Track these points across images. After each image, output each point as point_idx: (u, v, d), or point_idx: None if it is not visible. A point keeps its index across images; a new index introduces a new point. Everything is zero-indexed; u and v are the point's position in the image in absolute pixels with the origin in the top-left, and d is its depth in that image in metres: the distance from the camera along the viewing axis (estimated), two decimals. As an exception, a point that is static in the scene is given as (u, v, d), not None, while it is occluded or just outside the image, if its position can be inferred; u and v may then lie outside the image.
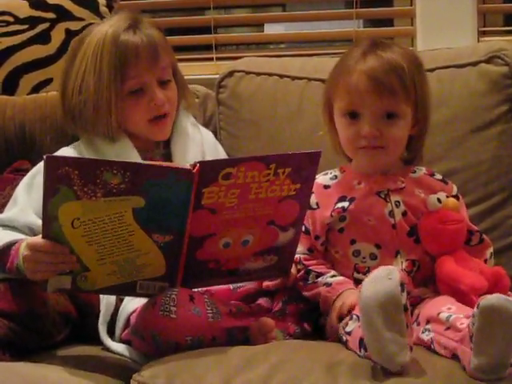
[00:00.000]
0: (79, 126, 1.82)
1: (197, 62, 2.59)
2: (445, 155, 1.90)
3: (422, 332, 1.52)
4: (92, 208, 1.44)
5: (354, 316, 1.52)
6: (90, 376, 1.52)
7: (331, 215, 1.66)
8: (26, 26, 2.20)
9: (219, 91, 2.10)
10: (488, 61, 1.93)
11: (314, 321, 1.69)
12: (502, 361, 1.34)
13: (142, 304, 1.58)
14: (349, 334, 1.51)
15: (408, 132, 1.67)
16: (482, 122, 1.91)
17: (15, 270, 1.58)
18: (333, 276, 1.65)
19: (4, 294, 1.66)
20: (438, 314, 1.49)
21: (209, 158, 1.89)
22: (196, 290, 1.59)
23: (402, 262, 1.64)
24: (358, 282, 1.63)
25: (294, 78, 2.05)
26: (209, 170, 1.46)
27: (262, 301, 1.70)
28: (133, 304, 1.64)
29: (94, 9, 2.21)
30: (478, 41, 2.38)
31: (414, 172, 1.71)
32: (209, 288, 1.66)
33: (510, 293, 1.57)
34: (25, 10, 2.21)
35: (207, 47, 2.59)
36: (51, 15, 2.20)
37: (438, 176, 1.73)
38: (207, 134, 1.99)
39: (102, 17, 2.19)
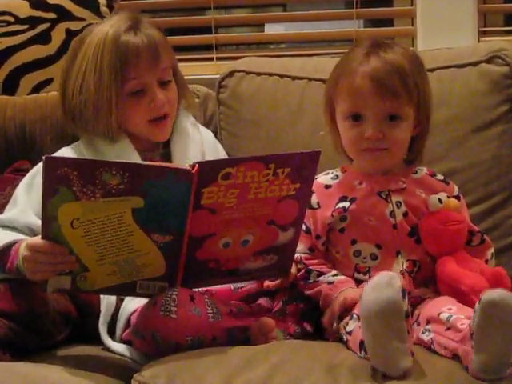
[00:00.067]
0: (79, 126, 1.82)
1: (197, 62, 2.59)
2: (445, 155, 1.90)
3: (422, 332, 1.52)
4: (91, 208, 1.44)
5: (355, 315, 1.52)
6: (91, 376, 1.52)
7: (332, 215, 1.66)
8: (26, 26, 2.20)
9: (220, 91, 2.10)
10: (488, 61, 1.93)
11: (315, 321, 1.69)
12: (503, 359, 1.35)
13: (142, 304, 1.58)
14: (349, 333, 1.52)
15: (410, 133, 1.67)
16: (483, 122, 1.91)
17: (15, 271, 1.58)
18: (334, 275, 1.66)
19: (4, 294, 1.66)
20: (439, 314, 1.49)
21: (209, 157, 1.89)
22: (196, 289, 1.59)
23: (402, 263, 1.63)
24: (358, 282, 1.64)
25: (294, 78, 2.05)
26: (208, 170, 1.46)
27: (262, 301, 1.70)
28: (133, 304, 1.64)
29: (95, 9, 2.21)
30: (479, 41, 2.38)
31: (416, 172, 1.71)
32: (209, 288, 1.66)
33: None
34: (25, 10, 2.21)
35: (208, 47, 2.59)
36: (51, 15, 2.20)
37: (440, 176, 1.73)
38: (207, 134, 1.99)
39: (102, 17, 2.19)
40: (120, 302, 1.69)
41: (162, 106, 1.80)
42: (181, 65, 1.92)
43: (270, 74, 2.07)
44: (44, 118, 2.05)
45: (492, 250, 1.71)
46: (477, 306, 1.35)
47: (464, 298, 1.53)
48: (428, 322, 1.52)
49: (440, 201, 1.65)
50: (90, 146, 1.82)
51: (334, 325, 1.59)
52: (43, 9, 2.21)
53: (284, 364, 1.42)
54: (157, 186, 1.45)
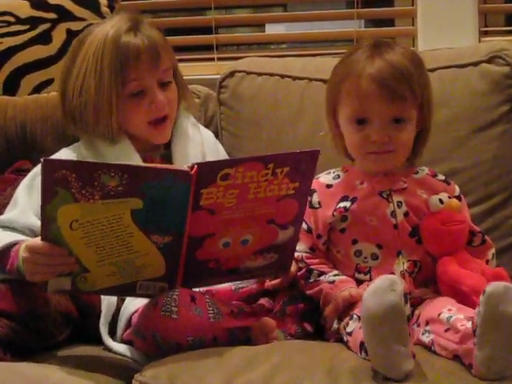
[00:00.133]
0: (79, 127, 1.81)
1: (198, 63, 2.59)
2: (446, 155, 1.90)
3: (423, 333, 1.52)
4: (90, 210, 1.44)
5: (355, 316, 1.52)
6: (91, 376, 1.52)
7: (333, 214, 1.66)
8: (27, 27, 2.20)
9: (220, 91, 2.10)
10: (489, 61, 1.93)
11: (315, 321, 1.69)
12: (507, 354, 1.34)
13: (143, 304, 1.58)
14: (349, 334, 1.52)
15: (414, 133, 1.67)
16: (484, 122, 1.91)
17: (15, 272, 1.58)
18: (335, 275, 1.66)
19: (5, 294, 1.66)
20: (439, 315, 1.49)
21: (209, 158, 1.88)
22: (197, 289, 1.59)
23: (403, 263, 1.63)
24: (359, 283, 1.64)
25: (295, 78, 2.05)
26: (207, 172, 1.46)
27: (263, 301, 1.70)
28: (134, 304, 1.64)
29: (95, 9, 2.22)
30: (480, 41, 2.38)
31: (417, 173, 1.71)
32: (210, 288, 1.66)
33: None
34: (26, 11, 2.21)
35: (208, 47, 2.59)
36: (52, 15, 2.20)
37: (441, 177, 1.73)
38: (207, 134, 1.99)
39: (103, 17, 2.19)
40: (121, 302, 1.69)
41: (163, 107, 1.80)
42: (181, 65, 1.92)
43: (271, 75, 2.07)
44: (45, 118, 2.05)
45: (493, 251, 1.71)
46: (481, 298, 1.35)
47: (465, 298, 1.53)
48: (427, 323, 1.52)
49: (441, 201, 1.65)
50: (90, 146, 1.82)
51: (334, 325, 1.59)
52: (44, 9, 2.21)
53: (285, 364, 1.42)
54: (155, 187, 1.45)
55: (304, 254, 1.69)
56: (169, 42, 1.85)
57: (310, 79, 2.03)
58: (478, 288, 1.45)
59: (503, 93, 1.92)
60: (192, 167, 1.45)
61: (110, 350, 1.66)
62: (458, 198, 1.70)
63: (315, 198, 1.68)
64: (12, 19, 2.20)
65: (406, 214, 1.65)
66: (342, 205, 1.66)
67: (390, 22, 2.73)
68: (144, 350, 1.59)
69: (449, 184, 1.72)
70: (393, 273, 1.61)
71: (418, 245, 1.65)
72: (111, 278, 1.54)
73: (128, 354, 1.63)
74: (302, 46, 2.79)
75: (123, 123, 1.80)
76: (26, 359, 1.59)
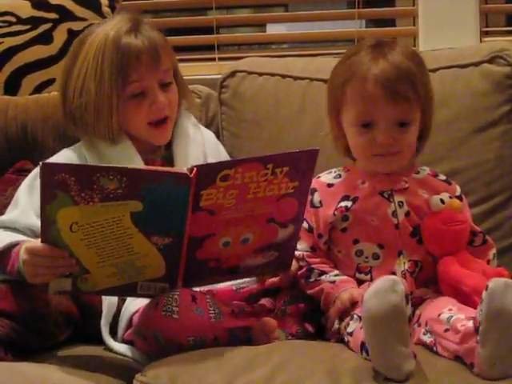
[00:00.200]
0: (80, 127, 1.81)
1: (199, 62, 2.59)
2: (447, 155, 1.90)
3: (424, 334, 1.52)
4: (90, 213, 1.44)
5: (355, 316, 1.52)
6: (92, 376, 1.52)
7: (334, 214, 1.66)
8: (28, 27, 2.20)
9: (221, 91, 2.10)
10: (490, 61, 1.93)
11: (316, 321, 1.69)
12: (509, 353, 1.34)
13: (144, 304, 1.58)
14: (350, 334, 1.52)
15: (417, 134, 1.66)
16: (485, 122, 1.91)
17: (16, 273, 1.58)
18: (336, 275, 1.65)
19: (6, 295, 1.66)
20: (439, 315, 1.49)
21: (210, 159, 1.88)
22: (198, 290, 1.59)
23: (404, 263, 1.63)
24: (360, 283, 1.64)
25: (296, 78, 2.05)
26: (206, 173, 1.46)
27: (264, 301, 1.70)
28: (135, 304, 1.64)
29: (97, 9, 2.21)
30: (481, 41, 2.38)
31: (418, 172, 1.71)
32: (211, 288, 1.66)
33: None
34: (27, 11, 2.21)
35: (209, 47, 2.58)
36: (53, 15, 2.20)
37: (442, 177, 1.73)
38: (209, 135, 1.99)
39: (104, 17, 2.19)
40: (122, 302, 1.69)
41: (163, 108, 1.80)
42: (183, 65, 1.92)
43: (272, 74, 2.07)
44: (46, 118, 2.05)
45: (494, 251, 1.71)
46: (484, 294, 1.35)
47: (466, 298, 1.52)
48: (427, 323, 1.51)
49: (442, 201, 1.65)
50: (91, 147, 1.82)
51: (335, 325, 1.59)
52: (45, 9, 2.21)
53: (286, 364, 1.42)
54: (155, 190, 1.45)
55: (305, 253, 1.69)
56: (169, 43, 1.85)
57: (311, 79, 2.03)
58: (479, 288, 1.45)
59: (504, 93, 1.92)
60: (191, 170, 1.45)
61: (110, 350, 1.66)
62: (459, 197, 1.70)
63: (316, 198, 1.68)
64: (13, 19, 2.20)
65: (407, 214, 1.64)
66: (343, 204, 1.66)
67: (391, 22, 2.72)
68: (145, 350, 1.59)
69: (450, 184, 1.72)
70: (394, 273, 1.61)
71: (419, 245, 1.65)
72: (112, 279, 1.54)
73: (129, 354, 1.63)
74: (303, 46, 2.79)
75: (124, 124, 1.80)
76: (26, 359, 1.59)
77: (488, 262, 1.68)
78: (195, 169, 1.45)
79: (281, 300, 1.70)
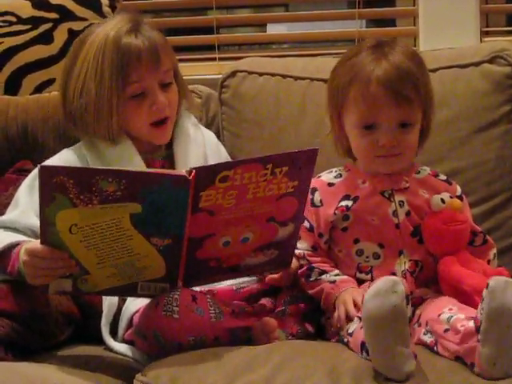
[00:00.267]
0: (80, 128, 1.81)
1: (199, 62, 2.59)
2: (448, 155, 1.90)
3: (424, 334, 1.52)
4: (89, 215, 1.44)
5: (355, 317, 1.52)
6: (93, 376, 1.52)
7: (335, 213, 1.66)
8: (28, 26, 2.20)
9: (222, 91, 2.10)
10: (491, 61, 1.93)
11: (316, 321, 1.69)
12: (509, 351, 1.34)
13: (144, 304, 1.58)
14: (350, 335, 1.51)
15: (418, 134, 1.66)
16: (485, 122, 1.91)
17: (16, 273, 1.58)
18: (337, 275, 1.66)
19: (6, 295, 1.66)
20: (439, 315, 1.49)
21: (211, 159, 1.88)
22: (199, 289, 1.59)
23: (404, 262, 1.63)
24: (360, 282, 1.64)
25: (296, 78, 2.05)
26: (205, 175, 1.46)
27: (264, 301, 1.70)
28: (135, 304, 1.64)
29: (97, 9, 2.21)
30: (481, 41, 2.38)
31: (418, 172, 1.71)
32: (211, 288, 1.66)
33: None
34: (27, 10, 2.21)
35: (210, 47, 2.58)
36: (54, 15, 2.20)
37: (442, 176, 1.73)
38: (209, 136, 1.98)
39: (104, 17, 2.18)
40: (122, 302, 1.69)
41: (164, 108, 1.79)
42: (183, 65, 1.92)
43: (273, 74, 2.07)
44: (46, 118, 2.05)
45: (494, 251, 1.71)
46: (484, 293, 1.35)
47: (466, 298, 1.52)
48: (427, 323, 1.51)
49: (443, 201, 1.65)
50: (91, 147, 1.82)
51: (337, 325, 1.59)
52: (45, 9, 2.21)
53: (286, 364, 1.42)
54: (154, 192, 1.45)
55: (306, 252, 1.69)
56: (169, 43, 1.85)
57: (312, 79, 2.03)
58: (480, 288, 1.45)
59: (504, 93, 1.92)
60: (190, 172, 1.45)
61: (111, 350, 1.66)
62: (460, 197, 1.70)
63: (317, 197, 1.68)
64: (14, 19, 2.20)
65: (407, 214, 1.64)
66: (343, 203, 1.66)
67: (391, 22, 2.73)
68: (145, 349, 1.59)
69: (450, 184, 1.72)
70: (394, 273, 1.61)
71: (420, 244, 1.65)
72: (112, 280, 1.54)
73: (129, 353, 1.63)
74: (303, 45, 2.79)
75: (124, 124, 1.79)
76: (27, 359, 1.59)
77: (488, 261, 1.68)
78: (194, 171, 1.45)
79: (281, 300, 1.70)
